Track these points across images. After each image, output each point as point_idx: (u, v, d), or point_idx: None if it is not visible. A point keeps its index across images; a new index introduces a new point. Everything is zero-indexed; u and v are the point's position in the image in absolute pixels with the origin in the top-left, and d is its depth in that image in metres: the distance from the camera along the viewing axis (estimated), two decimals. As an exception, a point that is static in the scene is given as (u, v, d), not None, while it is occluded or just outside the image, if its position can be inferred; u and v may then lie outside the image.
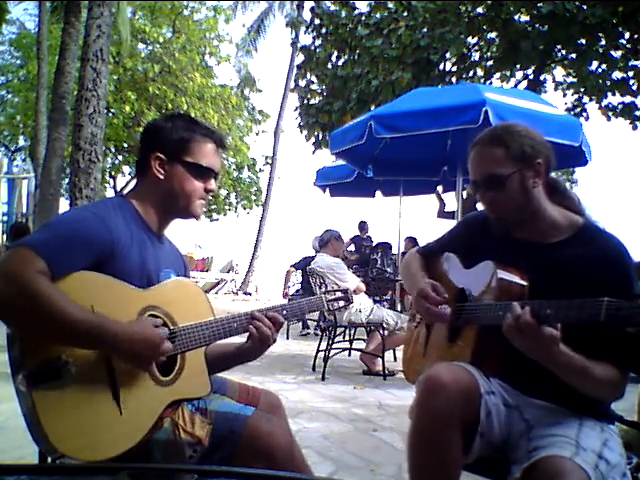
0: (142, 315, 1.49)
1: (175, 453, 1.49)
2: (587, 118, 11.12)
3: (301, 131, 11.90)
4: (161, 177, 1.64)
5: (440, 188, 8.20)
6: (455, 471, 1.50)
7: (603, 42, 9.74)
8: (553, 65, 11.17)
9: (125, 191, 2.19)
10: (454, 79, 10.89)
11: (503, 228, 1.69)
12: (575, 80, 10.95)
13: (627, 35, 9.64)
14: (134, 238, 1.57)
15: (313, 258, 6.16)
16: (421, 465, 1.50)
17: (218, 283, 17.81)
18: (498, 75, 11.35)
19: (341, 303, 1.93)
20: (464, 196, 6.84)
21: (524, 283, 1.60)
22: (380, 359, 5.18)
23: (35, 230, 2.08)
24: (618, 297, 1.32)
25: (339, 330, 5.84)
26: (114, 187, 18.52)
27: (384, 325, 5.20)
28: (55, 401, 1.33)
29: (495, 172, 1.61)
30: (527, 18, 9.84)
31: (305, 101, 11.97)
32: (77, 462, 1.35)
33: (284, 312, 1.72)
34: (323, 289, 5.35)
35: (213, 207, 18.94)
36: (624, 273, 1.56)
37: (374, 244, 9.93)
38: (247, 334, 1.69)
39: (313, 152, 11.96)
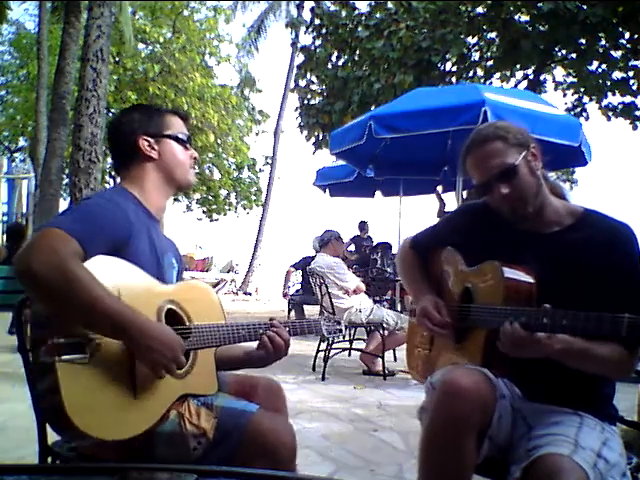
0: (163, 307, 1.53)
1: (180, 444, 1.50)
2: (587, 118, 11.11)
3: (301, 131, 11.89)
4: (154, 156, 1.70)
5: (440, 188, 8.20)
6: (469, 476, 1.50)
7: (603, 42, 9.72)
8: (553, 65, 11.15)
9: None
10: (454, 79, 10.88)
11: (521, 218, 1.66)
12: (575, 80, 10.92)
13: (627, 35, 9.62)
14: (142, 224, 1.61)
15: (313, 258, 6.16)
16: (435, 468, 1.50)
17: (218, 283, 17.77)
18: (498, 75, 11.33)
19: (336, 332, 1.98)
20: (464, 196, 6.84)
21: (531, 280, 1.59)
22: (380, 359, 5.17)
23: (58, 214, 2.12)
24: (628, 278, 1.40)
25: (339, 330, 5.82)
26: (114, 187, 18.50)
27: (384, 325, 5.19)
28: (76, 374, 1.34)
29: (505, 162, 1.61)
30: (527, 18, 9.82)
31: (305, 101, 11.97)
32: (83, 442, 1.38)
33: (287, 329, 1.77)
34: (324, 290, 5.35)
35: (213, 207, 18.93)
36: (631, 252, 1.57)
37: (374, 244, 9.92)
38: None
39: (313, 152, 11.97)
